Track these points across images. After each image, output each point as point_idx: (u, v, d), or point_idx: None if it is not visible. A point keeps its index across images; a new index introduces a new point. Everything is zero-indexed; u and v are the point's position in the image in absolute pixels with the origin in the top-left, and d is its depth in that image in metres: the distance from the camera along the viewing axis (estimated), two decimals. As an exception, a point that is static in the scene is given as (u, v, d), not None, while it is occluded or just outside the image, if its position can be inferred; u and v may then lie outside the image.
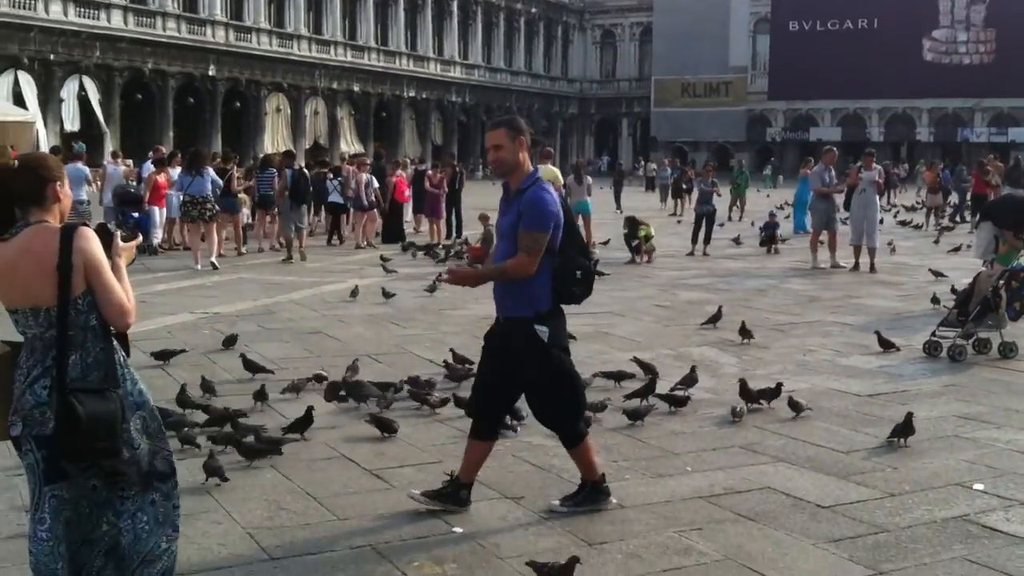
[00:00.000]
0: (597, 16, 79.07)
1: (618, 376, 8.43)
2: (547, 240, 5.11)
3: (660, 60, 74.12)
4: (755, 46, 72.52)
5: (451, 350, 8.96)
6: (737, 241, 21.57)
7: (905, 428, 6.81)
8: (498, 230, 5.42)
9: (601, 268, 13.52)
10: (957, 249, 19.71)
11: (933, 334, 9.94)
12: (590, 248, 17.79)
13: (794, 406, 7.52)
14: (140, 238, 4.58)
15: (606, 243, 20.36)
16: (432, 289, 13.64)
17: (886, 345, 10.00)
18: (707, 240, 19.38)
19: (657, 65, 74.56)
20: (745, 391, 7.73)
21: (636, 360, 8.80)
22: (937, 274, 15.35)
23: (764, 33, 71.84)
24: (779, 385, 7.93)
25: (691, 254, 19.07)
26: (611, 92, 79.03)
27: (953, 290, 12.85)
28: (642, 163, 60.33)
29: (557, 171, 19.22)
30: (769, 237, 20.27)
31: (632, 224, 18.52)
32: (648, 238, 18.31)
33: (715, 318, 11.32)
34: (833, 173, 17.45)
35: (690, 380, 8.22)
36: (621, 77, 79.05)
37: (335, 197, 21.01)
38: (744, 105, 72.10)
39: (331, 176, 21.32)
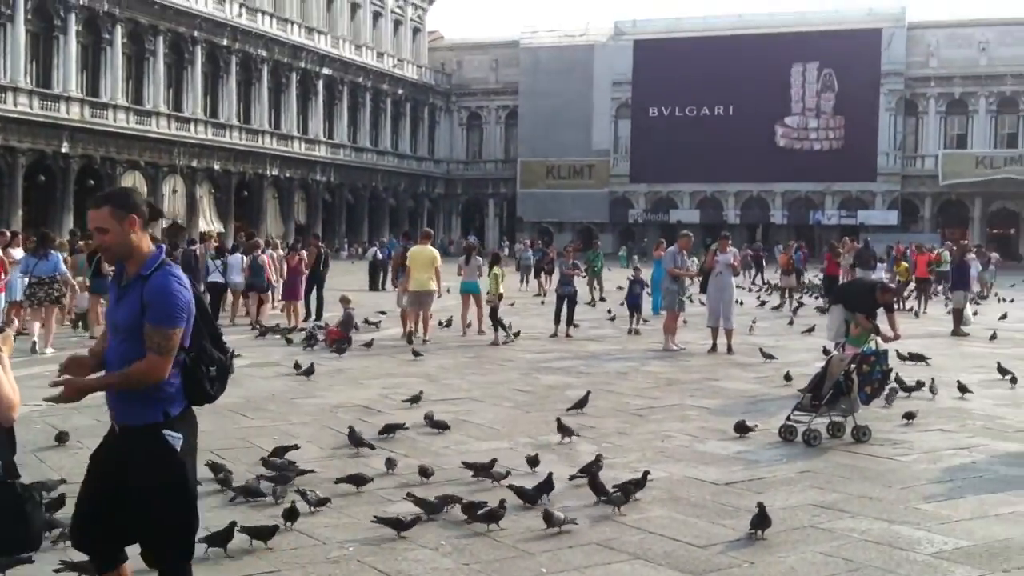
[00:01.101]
0: (463, 99, 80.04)
1: (484, 468, 8.04)
2: (181, 336, 4.24)
3: (525, 142, 75.32)
4: (617, 130, 74.37)
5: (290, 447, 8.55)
6: (611, 317, 21.83)
7: (761, 520, 6.67)
8: (110, 324, 4.42)
9: (475, 343, 13.22)
10: (811, 330, 20.14)
11: (788, 418, 9.96)
12: (504, 328, 17.98)
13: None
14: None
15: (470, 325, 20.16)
16: (309, 372, 13.38)
17: (742, 430, 9.98)
18: (569, 321, 19.37)
19: (523, 147, 75.72)
20: (594, 485, 7.49)
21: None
22: (768, 356, 15.59)
23: (626, 118, 73.80)
24: (646, 474, 7.76)
25: (554, 335, 19.01)
26: (478, 173, 79.79)
27: (789, 376, 13.07)
28: (507, 243, 60.82)
29: (436, 252, 19.02)
30: (634, 306, 20.35)
31: (492, 263, 18.67)
32: (498, 277, 18.30)
33: (581, 403, 11.17)
34: (686, 256, 17.75)
35: (593, 467, 7.95)
36: (487, 158, 79.95)
37: (215, 276, 20.83)
38: (607, 187, 73.63)
39: (212, 255, 21.19)
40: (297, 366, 13.61)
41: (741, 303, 24.45)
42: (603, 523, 7.03)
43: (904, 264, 23.15)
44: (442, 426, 9.98)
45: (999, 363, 13.20)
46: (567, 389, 12.85)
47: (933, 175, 67.37)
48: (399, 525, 6.61)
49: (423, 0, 77.19)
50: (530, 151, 74.81)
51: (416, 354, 15.73)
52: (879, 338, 10.71)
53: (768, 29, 69.22)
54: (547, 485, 7.43)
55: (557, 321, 19.33)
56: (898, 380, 12.48)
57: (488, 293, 18.69)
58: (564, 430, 9.68)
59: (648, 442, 9.74)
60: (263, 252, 21.21)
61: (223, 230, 49.84)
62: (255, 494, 7.43)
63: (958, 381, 12.92)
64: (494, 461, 8.15)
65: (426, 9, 77.97)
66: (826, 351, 15.22)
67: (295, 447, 8.74)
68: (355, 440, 9.08)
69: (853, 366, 9.88)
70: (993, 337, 19.67)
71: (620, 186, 73.64)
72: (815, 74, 68.86)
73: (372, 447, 9.02)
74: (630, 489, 7.43)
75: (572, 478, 7.93)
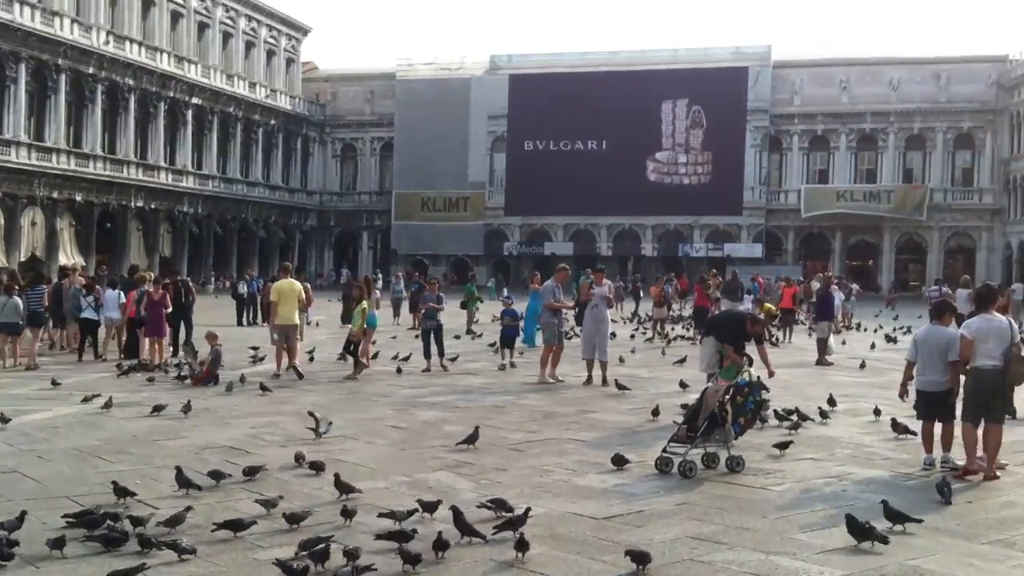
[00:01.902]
0: (337, 130, 79.34)
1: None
2: None
3: (401, 174, 75.04)
4: (493, 163, 74.74)
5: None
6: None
7: (641, 557, 6.60)
8: None
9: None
10: (682, 361, 20.43)
11: (664, 450, 10.00)
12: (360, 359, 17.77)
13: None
14: None
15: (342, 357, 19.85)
16: (187, 409, 13.07)
17: (620, 463, 9.96)
18: (441, 354, 19.14)
19: (398, 179, 75.41)
20: (460, 523, 7.33)
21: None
22: (622, 387, 15.76)
23: (501, 151, 74.22)
24: (527, 510, 7.64)
25: (427, 370, 18.75)
26: (352, 205, 79.04)
27: (655, 410, 13.20)
28: (380, 275, 60.24)
29: (297, 283, 19.09)
30: (507, 340, 20.22)
31: (364, 286, 18.30)
32: (364, 312, 18.05)
33: (471, 439, 11.04)
34: (561, 290, 17.82)
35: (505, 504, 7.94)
36: (362, 190, 79.26)
37: (89, 313, 20.79)
38: (482, 220, 73.84)
39: (84, 291, 21.03)
40: (157, 408, 13.07)
41: (615, 335, 24.71)
42: (482, 564, 6.87)
43: (768, 305, 23.77)
44: (318, 467, 9.68)
45: (893, 419, 12.96)
46: (444, 424, 12.69)
47: (796, 209, 69.63)
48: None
49: (297, 31, 76.37)
50: (405, 183, 74.58)
51: (264, 388, 15.45)
52: (751, 369, 10.84)
53: (640, 66, 70.66)
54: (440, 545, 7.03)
55: (427, 355, 19.11)
56: (774, 411, 12.74)
57: (352, 326, 18.52)
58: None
59: (527, 477, 9.63)
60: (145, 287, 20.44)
61: (84, 263, 47.96)
62: (116, 543, 7.06)
63: (820, 408, 13.28)
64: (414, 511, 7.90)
65: (300, 40, 77.17)
66: (683, 384, 15.52)
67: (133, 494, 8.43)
68: (182, 481, 8.79)
69: (727, 397, 9.97)
70: (862, 366, 20.39)
71: (495, 218, 73.97)
72: (685, 110, 70.57)
73: (200, 488, 8.77)
74: (514, 524, 7.35)
75: (481, 506, 7.97)
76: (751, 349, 13.09)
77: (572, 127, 70.61)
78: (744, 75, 69.82)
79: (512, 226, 73.70)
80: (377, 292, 20.64)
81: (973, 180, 68.65)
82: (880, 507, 7.81)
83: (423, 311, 20.13)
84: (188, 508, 7.72)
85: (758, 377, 10.45)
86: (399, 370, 18.60)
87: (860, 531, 7.21)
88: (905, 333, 27.82)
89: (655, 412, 13.13)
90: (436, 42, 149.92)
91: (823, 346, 21.30)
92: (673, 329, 29.04)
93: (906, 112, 68.40)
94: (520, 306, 23.59)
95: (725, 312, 14.19)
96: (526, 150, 72.57)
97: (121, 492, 8.31)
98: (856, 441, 11.74)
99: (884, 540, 7.17)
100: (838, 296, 28.79)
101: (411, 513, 7.73)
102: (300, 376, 17.35)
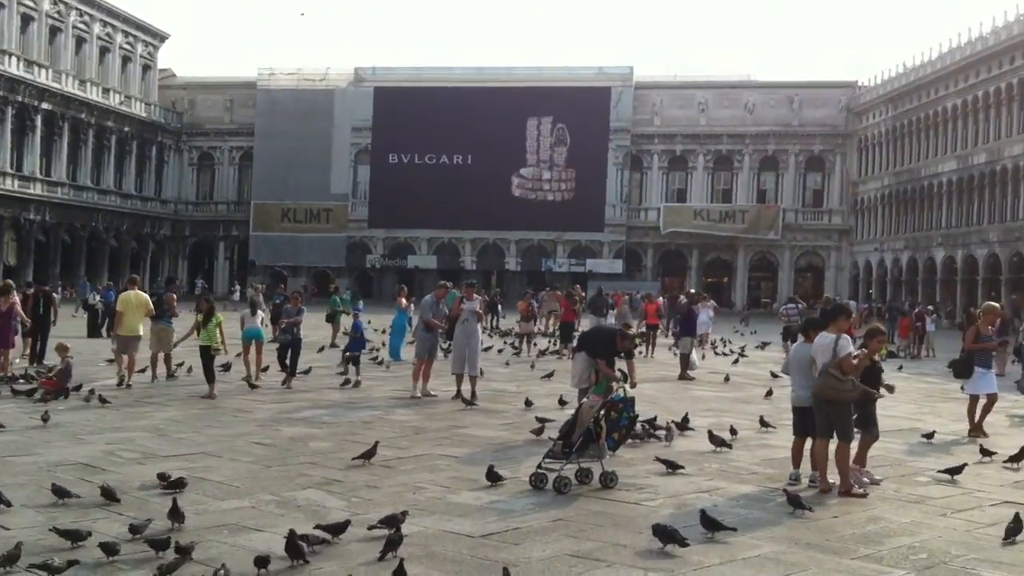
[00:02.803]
0: (195, 138, 77.23)
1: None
2: None
3: (260, 184, 73.52)
4: (356, 175, 74.02)
5: None
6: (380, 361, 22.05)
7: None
8: None
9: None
10: (550, 375, 20.49)
11: (539, 466, 9.91)
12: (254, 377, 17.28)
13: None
14: None
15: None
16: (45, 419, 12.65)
17: (494, 479, 9.84)
18: (292, 371, 18.49)
19: (257, 189, 73.84)
20: (291, 545, 7.05)
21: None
22: (468, 403, 15.73)
23: (365, 163, 73.58)
24: (400, 518, 7.49)
25: (284, 384, 18.16)
26: (208, 214, 76.97)
27: (539, 430, 13.15)
28: (237, 287, 58.83)
29: (144, 295, 19.01)
30: (352, 359, 19.64)
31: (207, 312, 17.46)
32: (221, 326, 17.42)
33: (369, 454, 10.85)
34: (443, 306, 17.64)
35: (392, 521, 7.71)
36: (219, 200, 77.32)
37: None
38: (345, 232, 72.99)
39: None
40: (-1, 425, 12.33)
41: (488, 349, 24.71)
42: (357, 586, 6.64)
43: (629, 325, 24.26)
44: (179, 485, 9.25)
45: (710, 431, 13.24)
46: (311, 441, 12.35)
47: (655, 226, 71.17)
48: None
49: (154, 37, 74.03)
50: (265, 193, 73.09)
51: (103, 400, 14.93)
52: (626, 385, 10.87)
53: (506, 83, 71.07)
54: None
55: (283, 369, 18.73)
56: (650, 424, 12.83)
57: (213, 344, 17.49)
58: None
59: (399, 495, 9.40)
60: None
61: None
62: None
63: (672, 423, 13.40)
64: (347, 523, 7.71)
65: (157, 46, 74.82)
66: (562, 400, 15.47)
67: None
68: (58, 491, 8.56)
69: (602, 412, 9.96)
70: (726, 380, 20.96)
71: (358, 231, 73.21)
72: (549, 127, 71.33)
73: (79, 496, 8.47)
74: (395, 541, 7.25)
75: (371, 528, 7.73)
76: (621, 364, 13.21)
77: (438, 141, 70.54)
78: (607, 95, 71.05)
79: (375, 239, 73.09)
80: (260, 313, 20.09)
81: (823, 201, 71.44)
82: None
83: (282, 325, 19.63)
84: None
85: (632, 397, 10.46)
86: (251, 385, 17.91)
87: (664, 534, 7.54)
88: (762, 349, 28.68)
89: (538, 432, 12.93)
90: (299, 52, 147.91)
91: (685, 361, 21.68)
92: (536, 344, 29.14)
93: (760, 135, 70.75)
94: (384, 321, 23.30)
95: (596, 328, 14.24)
96: (391, 163, 72.13)
97: None
98: (723, 456, 11.89)
99: (684, 543, 7.46)
100: (705, 313, 29.54)
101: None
102: (128, 386, 17.17)
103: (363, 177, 73.77)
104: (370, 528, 7.73)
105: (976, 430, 14.00)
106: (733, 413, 15.71)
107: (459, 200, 68.80)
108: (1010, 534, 7.99)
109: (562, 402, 15.37)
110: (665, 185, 72.68)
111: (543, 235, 71.16)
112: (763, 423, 13.99)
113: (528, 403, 14.59)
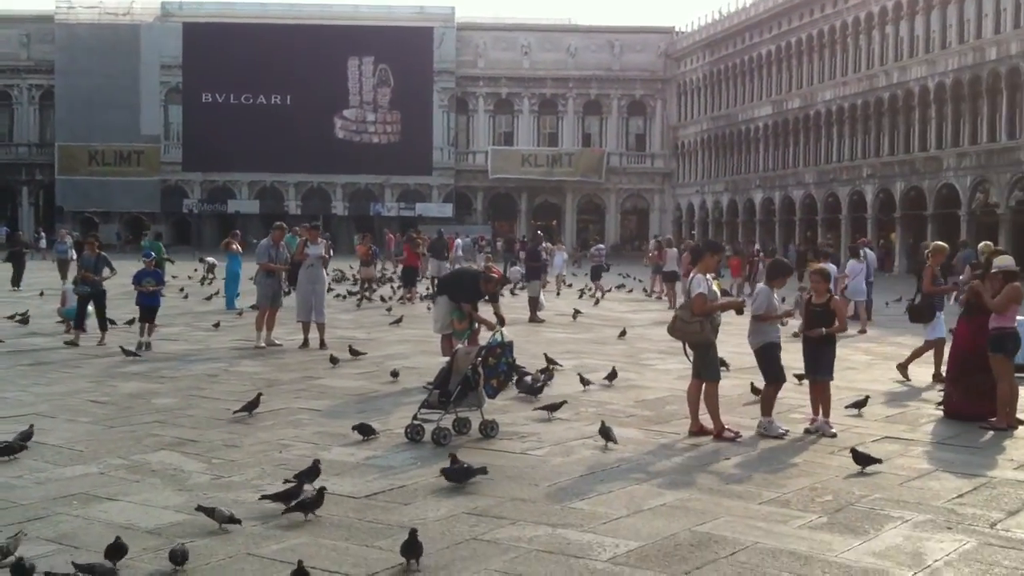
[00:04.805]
0: (-16, 76, 71.78)
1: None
2: None
3: (64, 126, 69.04)
4: (168, 116, 70.47)
5: None
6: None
7: (411, 547, 5.79)
8: None
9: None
10: (398, 321, 19.85)
11: (415, 417, 9.30)
12: None
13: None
14: None
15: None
16: None
17: (366, 432, 9.18)
18: (101, 327, 16.33)
19: (61, 131, 69.33)
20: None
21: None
22: (334, 360, 14.07)
23: (177, 103, 70.15)
24: (322, 489, 6.84)
25: (70, 343, 15.89)
26: (8, 157, 71.84)
27: (396, 372, 12.51)
28: (43, 234, 55.35)
29: None
30: (148, 309, 16.10)
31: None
32: None
33: (251, 406, 10.15)
34: (284, 249, 16.65)
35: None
36: (19, 141, 72.27)
37: None
38: (159, 175, 69.55)
39: None
40: None
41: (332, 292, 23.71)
42: (238, 559, 5.90)
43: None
44: (12, 450, 8.20)
45: (580, 374, 12.87)
46: (153, 397, 11.35)
47: (484, 170, 70.84)
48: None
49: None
50: (70, 135, 68.72)
51: None
52: (503, 329, 10.33)
53: (322, 20, 68.83)
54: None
55: (78, 325, 16.40)
56: (521, 371, 12.26)
57: None
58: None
59: (264, 454, 8.63)
60: None
61: None
62: None
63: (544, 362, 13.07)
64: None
65: (-59, -27, 69.01)
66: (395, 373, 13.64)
67: None
68: None
69: (479, 359, 9.40)
70: (575, 316, 21.01)
71: (173, 174, 69.92)
72: (371, 68, 69.67)
73: None
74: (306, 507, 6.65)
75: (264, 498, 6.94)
76: (485, 308, 12.69)
77: (254, 80, 67.95)
78: (429, 35, 69.91)
79: (192, 182, 70.04)
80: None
81: (646, 145, 72.61)
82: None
83: (82, 278, 16.53)
84: None
85: (510, 341, 9.91)
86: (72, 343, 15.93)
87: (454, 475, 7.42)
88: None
89: (394, 373, 12.40)
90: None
91: (535, 304, 21.38)
92: (377, 288, 28.35)
93: (583, 79, 71.15)
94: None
95: (458, 271, 13.54)
96: (204, 102, 69.05)
97: None
98: (596, 399, 11.54)
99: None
100: (559, 256, 29.84)
101: None
102: None
103: (175, 118, 70.49)
104: (263, 497, 6.92)
105: (904, 368, 13.48)
106: (591, 355, 15.47)
107: (280, 142, 66.51)
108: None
109: (395, 374, 12.94)
110: (492, 128, 72.32)
111: (370, 179, 69.81)
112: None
113: (395, 374, 12.92)
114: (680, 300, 11.57)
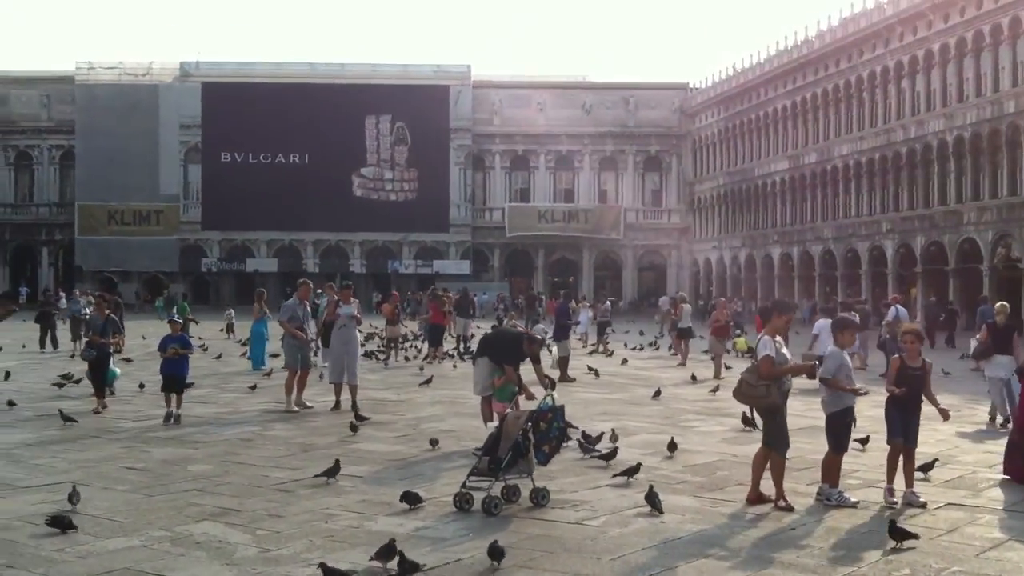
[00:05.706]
0: (11, 136, 72.38)
1: None
2: None
3: (84, 186, 69.51)
4: (187, 175, 70.93)
5: None
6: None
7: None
8: None
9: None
10: (428, 382, 19.60)
11: (463, 485, 9.00)
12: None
13: None
14: None
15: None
16: None
17: (413, 501, 8.89)
18: (100, 391, 15.76)
19: (81, 191, 69.80)
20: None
21: None
22: (360, 418, 14.00)
23: (196, 163, 70.62)
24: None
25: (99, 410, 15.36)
26: (28, 218, 72.35)
27: (435, 441, 12.19)
28: (63, 295, 55.34)
29: None
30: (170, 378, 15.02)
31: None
32: None
33: (333, 471, 10.00)
34: (308, 307, 16.48)
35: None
36: (40, 202, 72.81)
37: None
38: (177, 235, 69.84)
39: None
40: None
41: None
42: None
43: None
44: (64, 524, 7.95)
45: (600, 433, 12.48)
46: (188, 463, 11.08)
47: (501, 227, 70.93)
48: None
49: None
50: (89, 195, 69.17)
51: None
52: (554, 393, 10.04)
53: (340, 80, 69.40)
54: None
55: (99, 393, 15.78)
56: (584, 435, 11.91)
57: None
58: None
59: (310, 524, 8.34)
60: None
61: None
62: None
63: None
64: None
65: (-35, 37, 69.98)
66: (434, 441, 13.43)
67: None
68: None
69: (530, 424, 9.12)
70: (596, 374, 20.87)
71: (192, 233, 70.18)
72: (388, 126, 70.11)
73: None
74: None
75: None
76: (528, 370, 12.44)
77: (272, 139, 68.39)
78: (446, 94, 70.36)
79: (211, 241, 70.23)
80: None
81: (662, 200, 72.66)
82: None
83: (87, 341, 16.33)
84: None
85: (562, 405, 9.62)
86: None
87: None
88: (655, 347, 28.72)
89: (433, 442, 12.05)
90: (119, 45, 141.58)
91: (565, 364, 21.08)
92: (404, 348, 28.12)
93: (599, 135, 71.44)
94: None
95: (498, 331, 13.28)
96: (223, 162, 69.44)
97: None
98: (646, 464, 11.20)
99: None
100: (584, 314, 29.72)
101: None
102: None
103: (194, 177, 70.86)
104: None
105: None
106: (630, 416, 15.17)
107: (298, 200, 66.78)
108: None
109: (434, 442, 12.36)
110: (509, 185, 72.59)
111: (388, 236, 69.89)
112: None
113: (434, 442, 12.44)
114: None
